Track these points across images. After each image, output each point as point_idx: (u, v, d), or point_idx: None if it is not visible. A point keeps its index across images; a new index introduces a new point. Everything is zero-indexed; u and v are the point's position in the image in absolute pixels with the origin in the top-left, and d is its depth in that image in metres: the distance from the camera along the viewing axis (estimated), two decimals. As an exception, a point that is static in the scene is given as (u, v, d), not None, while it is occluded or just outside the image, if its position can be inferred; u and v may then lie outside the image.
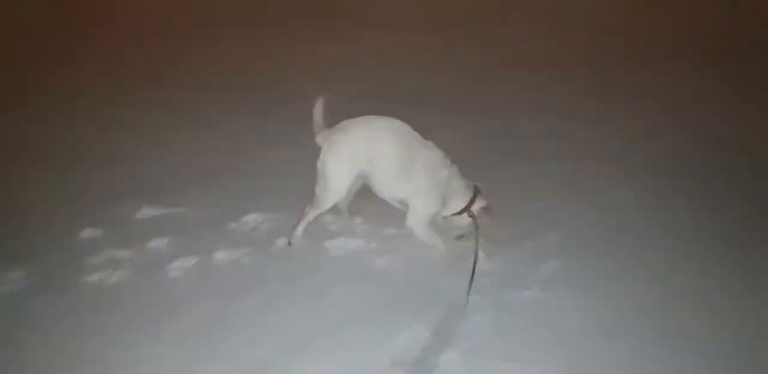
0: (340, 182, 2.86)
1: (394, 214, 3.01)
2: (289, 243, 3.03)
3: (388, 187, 2.89)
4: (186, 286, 2.78)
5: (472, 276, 2.58)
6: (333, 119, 2.91)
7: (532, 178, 3.70)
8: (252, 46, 7.04)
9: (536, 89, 5.40)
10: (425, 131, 2.91)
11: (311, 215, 2.98)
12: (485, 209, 2.96)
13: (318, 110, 2.92)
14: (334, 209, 3.08)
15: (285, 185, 3.60)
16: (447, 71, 6.04)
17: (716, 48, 6.63)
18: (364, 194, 3.06)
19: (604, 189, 3.58)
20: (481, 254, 2.73)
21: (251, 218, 3.28)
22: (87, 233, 3.16)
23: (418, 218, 2.90)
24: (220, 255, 2.97)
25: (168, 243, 3.08)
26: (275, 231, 3.16)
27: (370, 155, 2.80)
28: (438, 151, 2.87)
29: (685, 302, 2.60)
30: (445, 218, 3.00)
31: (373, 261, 2.91)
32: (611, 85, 5.48)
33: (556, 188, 3.61)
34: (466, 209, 2.95)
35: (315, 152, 2.89)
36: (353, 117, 2.89)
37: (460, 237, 3.05)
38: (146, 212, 3.38)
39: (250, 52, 6.80)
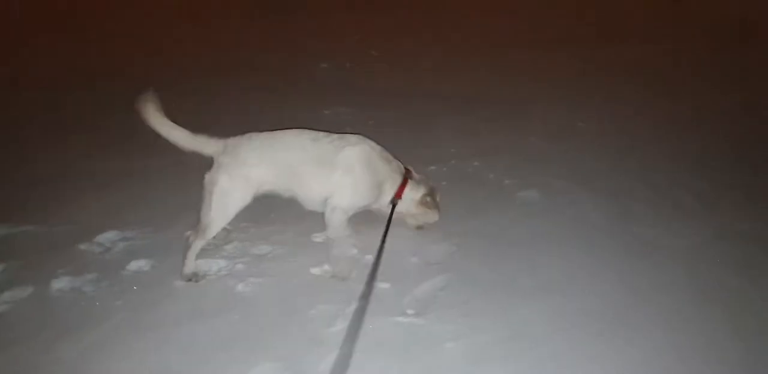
0: (233, 206, 2.58)
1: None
2: (194, 281, 2.58)
3: (309, 192, 2.70)
4: (13, 323, 2.39)
5: (374, 273, 2.21)
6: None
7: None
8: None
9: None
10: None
11: (198, 244, 2.60)
12: (428, 196, 2.86)
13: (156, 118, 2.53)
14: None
15: (154, 195, 3.24)
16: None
17: None
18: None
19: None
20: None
21: (106, 238, 2.89)
22: None
23: (342, 201, 2.68)
24: (60, 284, 2.58)
25: (3, 270, 2.68)
26: (132, 253, 2.78)
27: (274, 174, 2.61)
28: (347, 138, 2.71)
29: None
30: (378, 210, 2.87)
31: (233, 287, 2.57)
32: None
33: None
34: (396, 196, 2.80)
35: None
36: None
37: (419, 228, 2.97)
38: (-13, 231, 2.96)
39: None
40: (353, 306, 2.40)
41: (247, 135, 2.66)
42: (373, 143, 2.79)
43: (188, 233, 2.69)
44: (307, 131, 2.71)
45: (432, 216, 2.94)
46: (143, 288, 2.56)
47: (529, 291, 2.53)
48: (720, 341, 2.26)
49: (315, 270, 2.67)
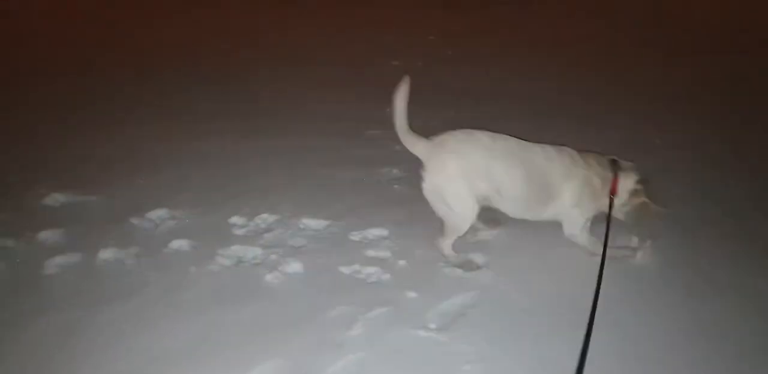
0: (466, 206, 2.50)
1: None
2: (474, 266, 2.64)
3: (526, 212, 2.63)
4: (57, 287, 2.53)
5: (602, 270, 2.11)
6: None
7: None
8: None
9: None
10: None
11: (448, 243, 2.62)
12: (639, 183, 2.63)
13: (401, 101, 2.49)
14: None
15: (209, 179, 3.33)
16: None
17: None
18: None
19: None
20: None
21: (156, 215, 3.00)
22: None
23: (575, 226, 2.64)
24: (106, 254, 2.71)
25: (61, 235, 2.85)
26: (175, 232, 2.86)
27: (490, 179, 2.47)
28: (557, 152, 2.57)
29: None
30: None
31: (262, 277, 2.56)
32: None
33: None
34: (611, 192, 2.60)
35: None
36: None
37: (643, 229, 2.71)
38: (57, 198, 3.16)
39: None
40: (374, 312, 2.34)
41: (461, 131, 2.53)
42: (578, 156, 2.62)
43: (439, 240, 2.66)
44: (531, 144, 2.58)
45: (650, 209, 2.64)
46: (179, 268, 2.62)
47: (562, 323, 2.32)
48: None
49: (344, 269, 2.61)
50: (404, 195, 3.25)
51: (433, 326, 2.28)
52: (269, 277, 2.55)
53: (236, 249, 2.71)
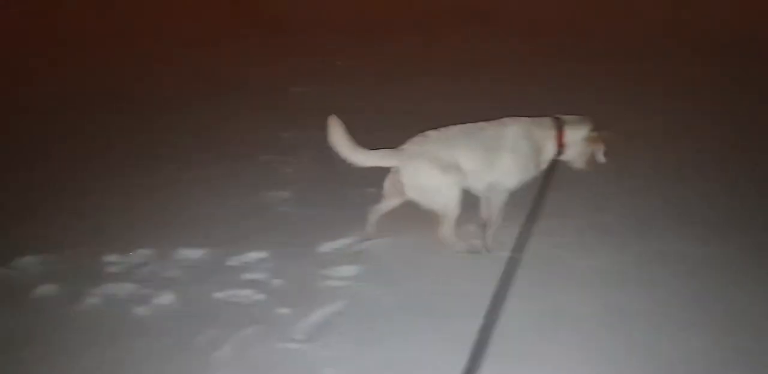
0: (453, 191, 2.78)
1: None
2: (476, 251, 2.91)
3: (484, 178, 2.87)
4: None
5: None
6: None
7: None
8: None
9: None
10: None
11: (448, 230, 2.85)
12: (595, 132, 2.96)
13: (338, 137, 2.72)
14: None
15: (83, 217, 3.30)
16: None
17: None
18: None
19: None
20: None
21: (23, 262, 2.92)
22: None
23: (511, 184, 2.90)
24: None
25: None
26: (45, 276, 2.79)
27: (457, 165, 2.78)
28: (500, 125, 2.89)
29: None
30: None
31: (132, 312, 2.53)
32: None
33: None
34: (558, 146, 2.93)
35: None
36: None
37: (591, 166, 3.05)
38: None
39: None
40: (244, 331, 2.37)
41: (419, 138, 2.82)
42: (520, 119, 2.95)
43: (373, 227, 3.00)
44: (471, 124, 2.90)
45: (601, 148, 3.00)
46: (48, 312, 2.56)
47: (432, 317, 2.42)
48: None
49: (218, 295, 2.62)
50: (290, 217, 3.34)
51: (300, 337, 2.33)
52: (140, 311, 2.53)
53: (108, 287, 2.68)
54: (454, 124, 2.90)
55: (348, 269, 2.78)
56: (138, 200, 3.56)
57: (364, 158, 2.76)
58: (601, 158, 3.04)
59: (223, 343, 2.30)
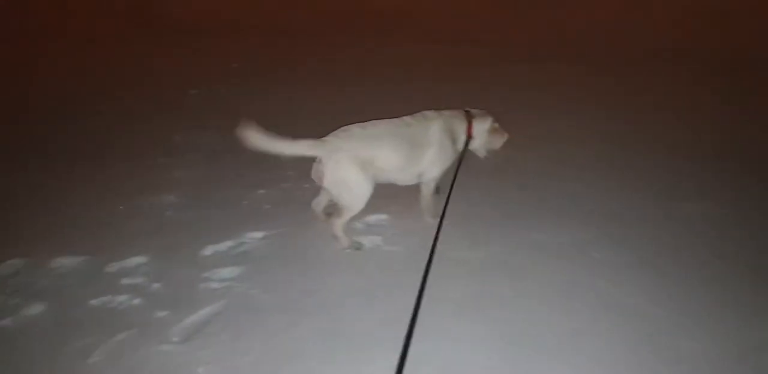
0: (364, 188, 2.92)
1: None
2: (360, 246, 3.07)
3: (410, 177, 3.11)
4: None
5: (446, 205, 2.59)
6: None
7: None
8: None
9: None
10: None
11: (340, 223, 3.00)
12: (497, 123, 3.31)
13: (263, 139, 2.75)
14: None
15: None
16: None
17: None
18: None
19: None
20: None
21: None
22: None
23: (435, 173, 3.14)
24: None
25: None
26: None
27: (376, 160, 2.93)
28: (421, 118, 3.10)
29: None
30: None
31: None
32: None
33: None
34: (468, 136, 3.22)
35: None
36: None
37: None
38: None
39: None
40: (118, 336, 2.38)
41: (342, 131, 2.95)
42: (437, 112, 3.18)
43: (321, 217, 3.19)
44: (393, 119, 3.08)
45: (502, 138, 3.36)
46: None
47: (310, 311, 2.55)
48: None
49: (94, 301, 2.60)
50: (174, 220, 3.33)
51: (176, 339, 2.37)
52: (7, 322, 2.46)
53: (-26, 303, 2.58)
54: (353, 122, 3.01)
55: (229, 271, 2.84)
56: (13, 207, 3.43)
57: (289, 147, 2.80)
58: (496, 145, 3.40)
59: (96, 349, 2.30)
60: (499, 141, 3.41)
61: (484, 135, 3.32)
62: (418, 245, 3.07)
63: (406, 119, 3.13)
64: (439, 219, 2.51)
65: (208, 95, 5.74)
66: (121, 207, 3.45)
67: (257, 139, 2.77)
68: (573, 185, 3.80)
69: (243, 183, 3.74)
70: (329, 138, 2.94)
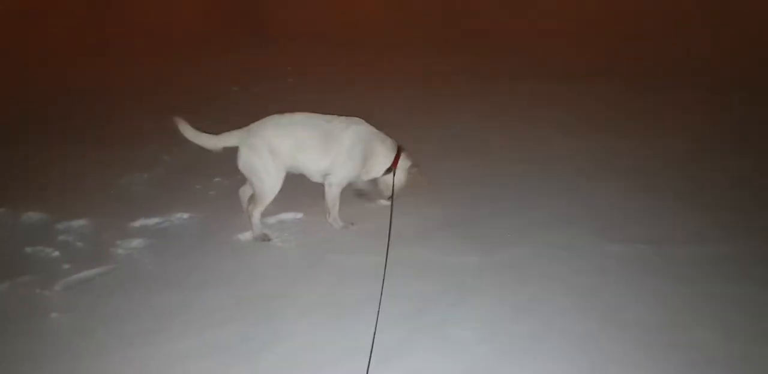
0: (275, 176, 3.21)
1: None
2: (266, 240, 3.34)
3: (315, 166, 3.30)
4: None
5: (389, 234, 2.89)
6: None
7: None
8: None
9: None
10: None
11: (258, 212, 3.30)
12: (414, 167, 3.51)
13: (191, 132, 3.24)
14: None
15: None
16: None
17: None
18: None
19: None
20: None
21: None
22: None
23: (337, 178, 3.33)
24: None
25: None
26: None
27: (289, 147, 3.19)
28: (347, 121, 3.34)
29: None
30: (377, 179, 3.55)
31: None
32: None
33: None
34: (393, 166, 3.44)
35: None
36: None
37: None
38: None
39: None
40: (20, 278, 2.99)
41: (266, 119, 3.26)
42: (370, 126, 3.44)
43: (249, 207, 3.36)
44: (320, 114, 3.37)
45: (420, 182, 3.56)
46: None
47: (185, 289, 2.98)
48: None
49: (29, 249, 3.27)
50: (132, 194, 3.98)
51: (57, 288, 2.92)
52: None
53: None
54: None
55: (138, 242, 3.37)
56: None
57: (209, 141, 3.26)
58: (425, 183, 3.58)
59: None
60: (414, 183, 3.55)
61: (400, 173, 3.49)
62: (314, 245, 3.38)
63: (334, 116, 3.37)
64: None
65: (244, 92, 6.39)
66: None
67: (186, 132, 3.26)
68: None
69: (206, 171, 4.24)
70: (250, 126, 3.26)
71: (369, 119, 3.49)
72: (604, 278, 2.96)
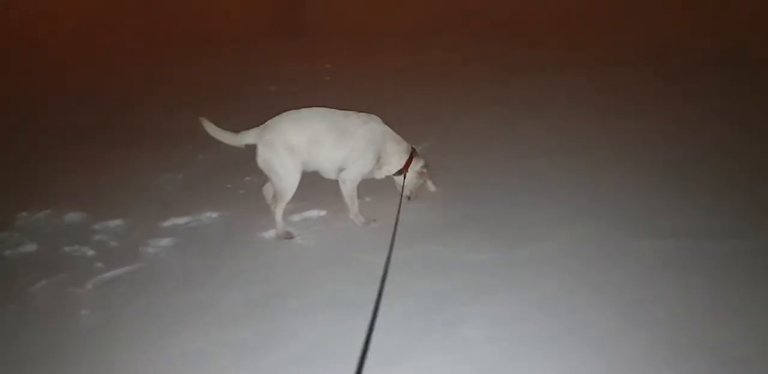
0: (293, 173, 3.26)
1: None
2: (288, 238, 3.38)
3: (330, 161, 3.33)
4: None
5: (394, 233, 2.79)
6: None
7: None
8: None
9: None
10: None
11: (279, 209, 3.36)
12: (424, 167, 3.57)
13: (215, 130, 3.36)
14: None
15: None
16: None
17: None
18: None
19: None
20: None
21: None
22: None
23: (350, 174, 3.36)
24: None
25: None
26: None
27: (305, 141, 3.24)
28: (366, 117, 3.39)
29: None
30: (387, 177, 3.62)
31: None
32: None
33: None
34: (404, 169, 3.50)
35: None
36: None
37: (408, 198, 3.59)
38: None
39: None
40: (57, 276, 3.15)
41: (282, 114, 3.33)
42: (386, 125, 3.49)
43: (271, 204, 3.42)
44: (337, 110, 3.42)
45: (428, 186, 3.65)
46: None
47: (208, 289, 3.08)
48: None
49: (67, 248, 3.45)
50: (165, 194, 4.11)
51: (89, 286, 3.06)
52: (7, 254, 3.43)
53: None
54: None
55: (168, 241, 3.48)
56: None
57: (230, 138, 3.35)
58: (431, 187, 3.67)
59: (39, 282, 3.10)
60: (422, 186, 3.61)
61: (412, 174, 3.55)
62: (334, 243, 3.39)
63: (352, 112, 3.39)
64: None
65: (282, 91, 6.49)
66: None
67: (209, 129, 3.36)
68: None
69: (239, 169, 4.33)
70: (267, 123, 3.31)
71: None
72: (624, 274, 2.83)
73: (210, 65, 7.80)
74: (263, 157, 3.27)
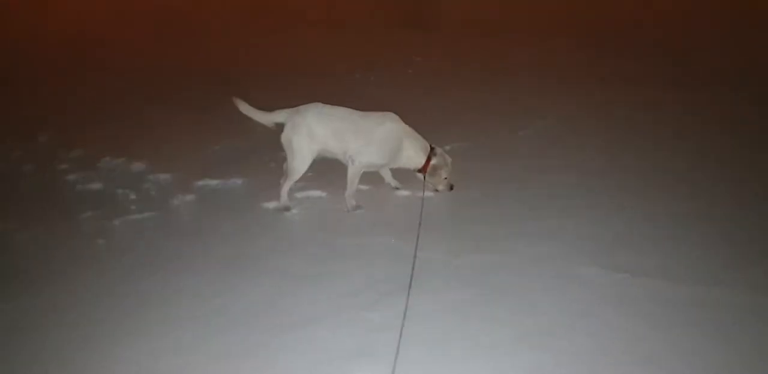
0: (308, 156, 3.65)
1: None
2: (288, 210, 3.76)
3: (345, 152, 3.68)
4: None
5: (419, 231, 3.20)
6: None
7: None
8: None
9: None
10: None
11: (287, 185, 3.76)
12: (434, 167, 3.80)
13: (247, 108, 3.81)
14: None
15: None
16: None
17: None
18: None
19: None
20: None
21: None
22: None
23: (362, 160, 3.67)
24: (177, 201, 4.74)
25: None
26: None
27: (325, 134, 3.64)
28: (380, 115, 3.73)
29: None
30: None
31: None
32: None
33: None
34: (423, 170, 3.80)
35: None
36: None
37: (436, 190, 3.89)
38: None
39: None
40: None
41: (313, 104, 3.70)
42: (403, 124, 3.78)
43: (281, 179, 3.83)
44: (357, 110, 3.77)
45: (441, 183, 3.83)
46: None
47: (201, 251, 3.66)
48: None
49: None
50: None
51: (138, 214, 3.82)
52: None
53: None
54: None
55: (191, 197, 4.12)
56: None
57: (262, 116, 3.81)
58: (437, 186, 3.87)
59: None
60: (438, 183, 3.83)
61: (431, 171, 3.80)
62: (326, 222, 3.76)
63: (370, 113, 3.74)
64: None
65: (363, 78, 6.88)
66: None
67: (244, 109, 3.87)
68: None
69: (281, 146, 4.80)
70: (299, 107, 3.69)
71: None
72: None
73: (317, 49, 8.43)
74: (287, 136, 3.66)
